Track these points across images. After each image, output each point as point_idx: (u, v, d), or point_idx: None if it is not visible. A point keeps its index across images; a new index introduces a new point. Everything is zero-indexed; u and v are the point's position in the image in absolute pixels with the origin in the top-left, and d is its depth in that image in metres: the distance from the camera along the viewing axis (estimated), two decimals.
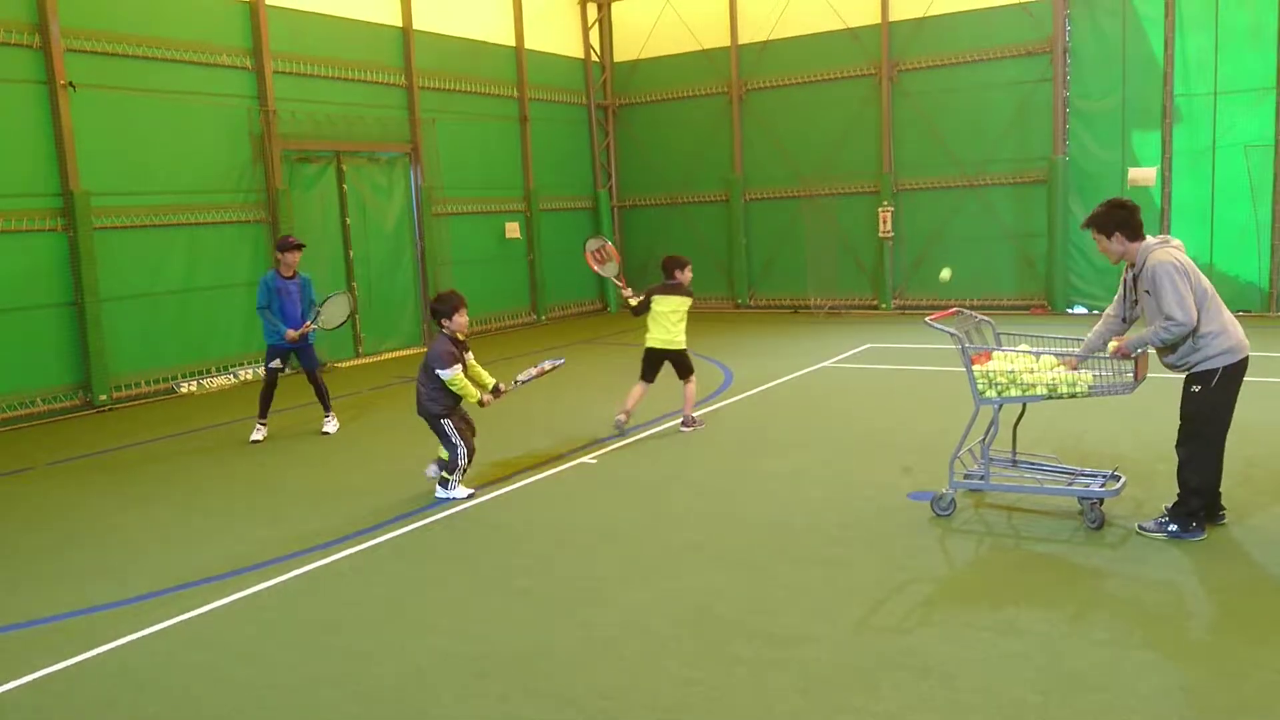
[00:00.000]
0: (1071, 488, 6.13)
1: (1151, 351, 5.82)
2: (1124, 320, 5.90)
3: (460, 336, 7.15)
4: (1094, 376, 5.90)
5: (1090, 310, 15.73)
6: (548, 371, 7.47)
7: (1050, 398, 5.96)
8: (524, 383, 7.45)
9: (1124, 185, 14.97)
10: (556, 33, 19.02)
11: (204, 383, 12.61)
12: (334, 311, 9.74)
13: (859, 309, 17.75)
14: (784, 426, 9.09)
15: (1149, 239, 5.68)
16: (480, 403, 7.19)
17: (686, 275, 9.28)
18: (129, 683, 4.57)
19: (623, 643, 4.72)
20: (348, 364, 14.42)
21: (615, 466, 7.99)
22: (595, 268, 10.32)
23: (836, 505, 6.63)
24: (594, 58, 19.87)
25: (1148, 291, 5.58)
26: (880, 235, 17.37)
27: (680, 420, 9.13)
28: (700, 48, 18.85)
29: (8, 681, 4.62)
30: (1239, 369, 5.58)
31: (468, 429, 7.27)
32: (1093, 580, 5.19)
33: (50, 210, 11.26)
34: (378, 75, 15.17)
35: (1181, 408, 5.70)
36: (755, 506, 6.73)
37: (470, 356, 7.21)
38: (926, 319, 6.40)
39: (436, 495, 7.21)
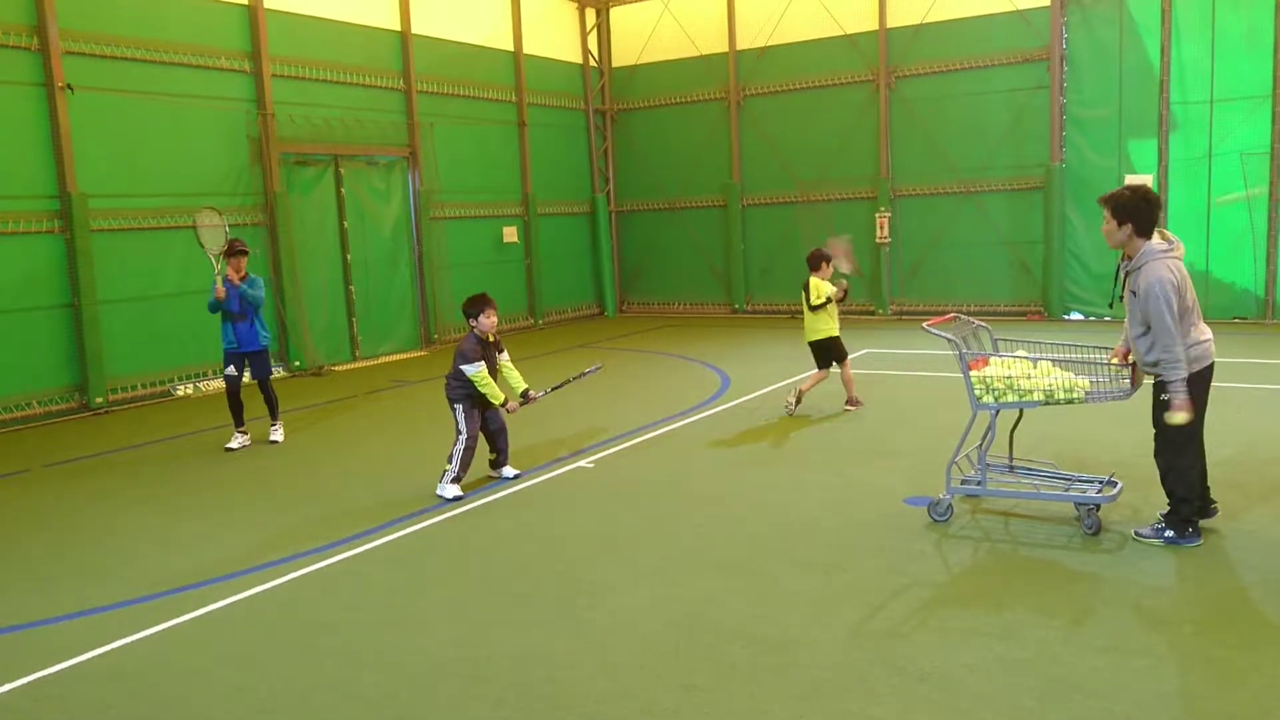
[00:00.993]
0: (1068, 493, 6.14)
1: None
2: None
3: (489, 337, 7.44)
4: (1091, 382, 5.91)
5: (1086, 316, 15.76)
6: (588, 375, 8.04)
7: (1047, 403, 5.97)
8: (559, 388, 7.95)
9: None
10: (555, 38, 19.05)
11: (200, 385, 12.60)
12: (208, 235, 9.47)
13: (856, 314, 17.76)
14: (781, 431, 9.09)
15: (1155, 242, 5.65)
16: (506, 408, 7.45)
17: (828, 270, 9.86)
18: (123, 686, 4.56)
19: (619, 647, 4.71)
20: (344, 367, 14.41)
21: (612, 471, 7.99)
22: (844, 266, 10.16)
23: (833, 510, 6.63)
24: (592, 63, 19.90)
25: (1134, 293, 5.61)
26: (877, 241, 17.39)
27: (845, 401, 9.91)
28: (698, 53, 18.89)
29: (2, 684, 4.60)
30: (1202, 376, 5.59)
31: (492, 430, 7.63)
32: (1090, 586, 5.19)
33: (47, 212, 11.25)
34: (376, 79, 15.18)
35: (1153, 417, 5.69)
36: (752, 511, 6.73)
37: (504, 357, 7.64)
38: (924, 325, 6.41)
39: (436, 492, 7.34)
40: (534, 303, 18.36)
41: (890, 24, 16.96)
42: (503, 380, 7.63)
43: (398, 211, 15.63)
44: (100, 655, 4.88)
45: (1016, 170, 16.19)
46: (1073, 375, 5.98)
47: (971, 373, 6.11)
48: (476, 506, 7.11)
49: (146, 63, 12.16)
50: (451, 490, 7.28)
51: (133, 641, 5.03)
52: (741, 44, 18.43)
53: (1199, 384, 5.59)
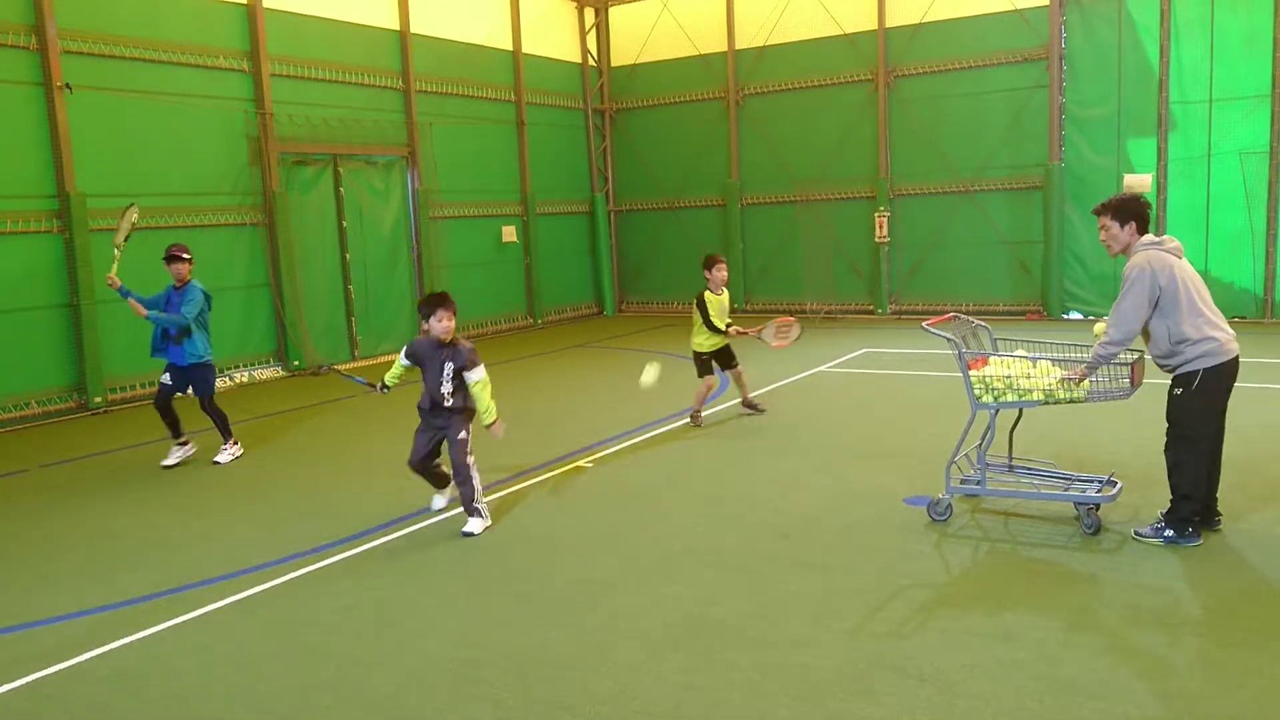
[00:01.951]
0: (1068, 493, 6.13)
1: (1148, 356, 5.83)
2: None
3: (446, 340, 6.56)
4: (1091, 382, 5.91)
5: (1085, 316, 15.75)
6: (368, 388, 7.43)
7: (1047, 403, 5.97)
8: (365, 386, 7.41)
9: (1119, 192, 15.00)
10: (554, 37, 19.04)
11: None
12: (124, 222, 8.93)
13: (855, 314, 17.77)
14: (780, 431, 9.09)
15: (1148, 236, 5.73)
16: (489, 425, 6.56)
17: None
18: (122, 686, 4.55)
19: (618, 648, 4.71)
20: (344, 367, 14.39)
21: (611, 471, 7.99)
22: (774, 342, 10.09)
23: (833, 510, 6.63)
24: (591, 62, 19.89)
25: None
26: (876, 240, 17.39)
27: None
28: (697, 53, 18.88)
29: (1, 685, 4.59)
30: (1222, 372, 5.57)
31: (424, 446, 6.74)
32: (1089, 586, 5.19)
33: (46, 212, 11.25)
34: (375, 79, 15.17)
35: (1167, 411, 5.72)
36: (751, 511, 6.72)
37: (474, 376, 6.55)
38: (923, 324, 6.41)
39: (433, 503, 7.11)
40: (533, 302, 18.35)
41: (889, 23, 16.96)
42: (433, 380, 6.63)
43: (397, 211, 15.63)
44: (99, 655, 4.88)
45: (1015, 170, 16.19)
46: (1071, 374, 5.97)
47: (971, 372, 6.11)
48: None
49: (145, 62, 12.15)
50: (436, 500, 7.03)
51: (132, 642, 5.02)
52: (740, 43, 18.43)
53: (1215, 381, 5.57)
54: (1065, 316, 15.94)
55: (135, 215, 9.09)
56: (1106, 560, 5.52)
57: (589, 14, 19.82)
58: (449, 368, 6.54)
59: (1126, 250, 5.76)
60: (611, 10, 19.81)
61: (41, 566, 6.30)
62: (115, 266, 8.61)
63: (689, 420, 9.49)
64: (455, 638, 4.91)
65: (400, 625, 5.10)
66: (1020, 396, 5.99)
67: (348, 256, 14.73)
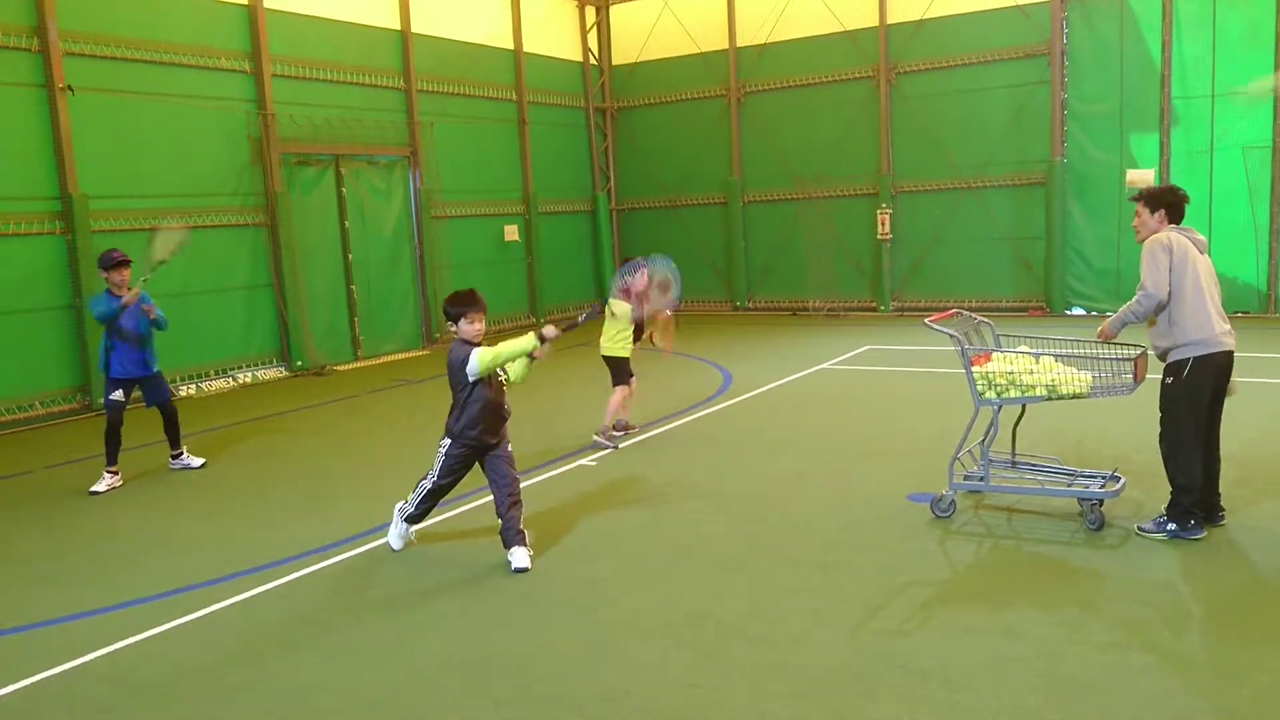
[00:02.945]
0: (1071, 489, 6.13)
1: (1151, 353, 5.82)
2: None
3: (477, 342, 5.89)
4: (1094, 377, 5.90)
5: (1089, 312, 15.73)
6: (581, 323, 6.69)
7: (1050, 399, 5.96)
8: (575, 323, 6.54)
9: (1122, 187, 14.99)
10: (555, 36, 19.04)
11: (202, 386, 12.60)
12: (161, 241, 8.57)
13: (857, 311, 17.75)
14: (783, 429, 9.08)
15: (1177, 227, 5.81)
16: (532, 356, 5.88)
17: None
18: (124, 687, 4.56)
19: (621, 646, 4.70)
20: (346, 367, 14.40)
21: (615, 469, 7.98)
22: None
23: (836, 507, 6.62)
24: (592, 61, 19.88)
25: None
26: (878, 237, 17.37)
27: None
28: (698, 50, 18.86)
29: (4, 685, 4.60)
30: (1212, 362, 5.58)
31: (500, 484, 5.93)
32: (1092, 582, 5.18)
33: (49, 213, 11.26)
34: (376, 79, 15.17)
35: (1159, 401, 5.72)
36: (754, 509, 6.72)
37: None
38: (925, 320, 6.40)
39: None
40: (535, 301, 18.35)
41: (890, 20, 16.93)
42: (496, 381, 5.99)
43: (399, 211, 15.63)
44: (103, 656, 4.88)
45: (1018, 166, 16.16)
46: (1075, 370, 5.96)
47: (974, 368, 6.10)
48: (477, 507, 7.09)
49: (147, 63, 12.16)
50: (395, 537, 6.15)
51: (135, 642, 5.03)
52: (742, 41, 18.41)
53: (1206, 371, 5.57)
54: (1068, 312, 15.91)
55: (183, 236, 8.86)
56: (1110, 556, 5.52)
57: (590, 12, 19.81)
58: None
59: (1158, 231, 5.79)
60: (612, 9, 19.80)
61: (45, 567, 6.30)
62: (142, 283, 8.19)
63: (606, 437, 8.71)
64: (457, 637, 4.91)
65: (403, 624, 5.10)
66: (1023, 392, 5.98)
67: (350, 257, 14.74)
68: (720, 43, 18.60)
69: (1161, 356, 5.72)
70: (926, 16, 16.60)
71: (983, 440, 6.20)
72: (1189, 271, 5.55)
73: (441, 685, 4.41)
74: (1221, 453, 5.87)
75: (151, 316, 8.25)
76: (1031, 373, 5.98)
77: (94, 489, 8.04)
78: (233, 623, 5.25)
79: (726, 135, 18.77)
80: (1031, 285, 16.31)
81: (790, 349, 13.87)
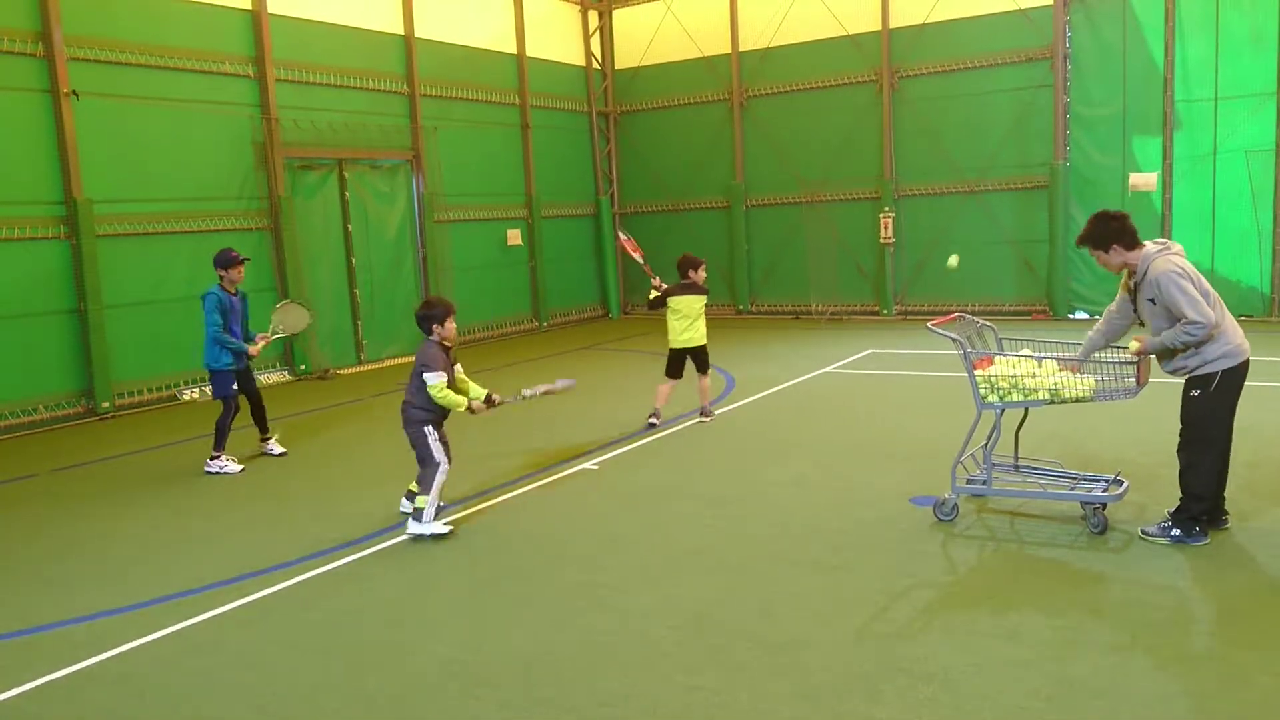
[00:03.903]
0: (1074, 492, 6.12)
1: (1153, 356, 5.81)
2: (1126, 320, 5.88)
3: (448, 344, 6.67)
4: (1096, 381, 5.90)
5: (1091, 315, 15.72)
6: (557, 391, 7.06)
7: (1052, 402, 5.96)
8: (527, 398, 6.95)
9: (1125, 191, 15.00)
10: (558, 40, 19.07)
11: (205, 390, 12.61)
12: (293, 319, 9.42)
13: (860, 315, 17.75)
14: (786, 432, 9.09)
15: (1148, 245, 5.65)
16: (470, 409, 6.59)
17: (700, 275, 9.62)
18: (130, 690, 4.57)
19: (624, 649, 4.71)
20: (349, 370, 14.43)
21: (617, 472, 7.99)
22: (632, 253, 10.74)
23: (838, 510, 6.63)
24: (595, 65, 19.91)
25: (1151, 300, 5.56)
26: (881, 241, 17.38)
27: (699, 411, 9.64)
28: (701, 55, 18.89)
29: (9, 689, 4.61)
30: (1238, 373, 5.56)
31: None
32: (1095, 585, 5.18)
33: (53, 218, 11.29)
34: (380, 83, 15.21)
35: (1182, 413, 5.69)
36: (757, 512, 6.72)
37: (459, 369, 6.77)
38: (928, 324, 6.40)
39: (409, 531, 6.49)
40: (538, 305, 18.37)
41: (893, 24, 16.95)
42: (464, 392, 6.73)
43: (402, 215, 15.66)
44: (107, 659, 4.90)
45: (1020, 169, 16.16)
46: (1078, 374, 5.96)
47: (976, 372, 6.11)
48: (480, 509, 7.11)
49: (151, 68, 12.20)
50: (439, 526, 6.52)
51: (139, 645, 5.04)
52: (744, 45, 18.43)
53: (1234, 382, 5.55)
54: (1071, 316, 15.91)
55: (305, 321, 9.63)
56: (1113, 559, 5.52)
57: (593, 17, 19.85)
58: (457, 370, 6.76)
59: (1126, 265, 5.69)
60: (615, 13, 19.84)
61: (50, 570, 6.32)
62: (263, 343, 8.87)
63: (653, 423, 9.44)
64: (461, 639, 4.92)
65: (406, 627, 5.11)
66: (1026, 396, 5.98)
67: (353, 260, 14.77)
68: (723, 47, 18.63)
69: (1185, 372, 5.62)
70: (929, 20, 16.62)
71: (985, 444, 6.20)
72: (1205, 289, 5.52)
73: (443, 688, 4.42)
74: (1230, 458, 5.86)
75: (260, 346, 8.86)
76: (1034, 376, 5.98)
77: (220, 470, 8.60)
78: (237, 625, 5.26)
79: (729, 139, 18.80)
80: (1034, 289, 16.31)
81: (793, 352, 13.88)
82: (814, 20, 17.66)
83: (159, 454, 9.58)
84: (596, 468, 8.14)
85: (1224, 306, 5.63)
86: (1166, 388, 5.92)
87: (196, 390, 12.53)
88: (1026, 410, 6.38)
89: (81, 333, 11.46)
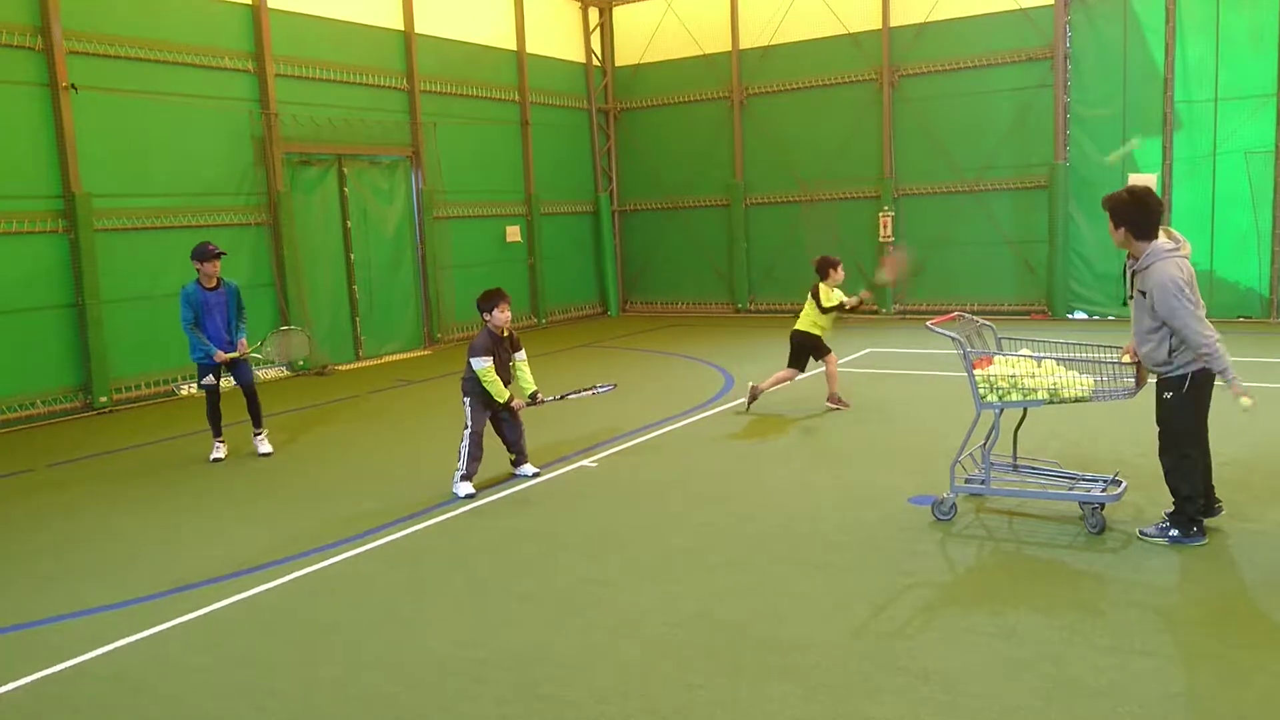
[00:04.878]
0: (1072, 493, 6.12)
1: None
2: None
3: (504, 333, 7.48)
4: (1095, 381, 5.90)
5: (1090, 315, 15.73)
6: (599, 392, 7.85)
7: (1051, 402, 5.95)
8: (568, 397, 7.82)
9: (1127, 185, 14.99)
10: (558, 37, 19.05)
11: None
12: (293, 348, 9.65)
13: (859, 314, 17.70)
14: (784, 431, 9.08)
15: (1161, 241, 5.64)
16: (511, 406, 7.45)
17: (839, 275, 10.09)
18: (126, 685, 4.56)
19: (622, 647, 4.70)
20: (347, 367, 14.41)
21: (616, 470, 7.98)
22: (888, 274, 11.26)
23: (837, 509, 6.62)
24: (595, 62, 19.89)
25: (1142, 293, 5.60)
26: (881, 240, 17.37)
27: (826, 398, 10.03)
28: (701, 52, 18.87)
29: (4, 684, 4.60)
30: (1207, 375, 5.57)
31: (505, 430, 7.63)
32: (1094, 585, 5.18)
33: (51, 212, 11.27)
34: (379, 79, 15.18)
35: (1157, 415, 5.71)
36: (756, 510, 6.71)
37: (520, 356, 7.64)
38: (927, 323, 6.40)
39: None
40: (537, 302, 18.36)
41: (893, 23, 16.94)
42: (515, 380, 7.60)
43: (401, 211, 15.64)
44: (103, 654, 4.89)
45: (1020, 169, 16.16)
46: (1077, 374, 5.96)
47: (976, 372, 6.10)
48: (479, 506, 7.10)
49: (150, 62, 12.18)
50: (463, 488, 7.30)
51: (135, 641, 5.03)
52: (744, 43, 18.42)
53: (1206, 383, 5.57)
54: (1070, 316, 15.91)
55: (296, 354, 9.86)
56: (1111, 559, 5.51)
57: (593, 14, 19.82)
58: (516, 357, 7.58)
59: (1129, 250, 5.74)
60: (615, 10, 19.82)
61: (46, 565, 6.31)
62: (239, 353, 8.83)
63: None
64: (459, 637, 4.91)
65: (404, 624, 5.10)
66: (1025, 396, 5.98)
67: (352, 256, 14.75)
68: (723, 45, 18.61)
69: (1158, 373, 5.67)
70: (929, 19, 16.61)
71: (984, 443, 6.20)
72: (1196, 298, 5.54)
73: (442, 685, 4.41)
74: (1223, 458, 5.87)
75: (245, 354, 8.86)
76: (1033, 376, 5.98)
77: (214, 456, 8.84)
78: (233, 622, 5.25)
79: (729, 137, 18.78)
80: (1033, 289, 16.31)
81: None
82: (814, 18, 17.65)
83: (156, 449, 9.57)
84: (595, 465, 8.13)
85: (1202, 307, 5.62)
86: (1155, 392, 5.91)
87: (194, 385, 12.49)
88: (1025, 410, 6.37)
89: (79, 327, 11.45)
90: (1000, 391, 6.03)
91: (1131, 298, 5.77)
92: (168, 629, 5.16)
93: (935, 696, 4.07)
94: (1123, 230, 5.67)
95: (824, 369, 10.00)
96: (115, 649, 4.94)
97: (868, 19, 17.15)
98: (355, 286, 14.79)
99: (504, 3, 17.71)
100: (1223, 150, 14.56)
